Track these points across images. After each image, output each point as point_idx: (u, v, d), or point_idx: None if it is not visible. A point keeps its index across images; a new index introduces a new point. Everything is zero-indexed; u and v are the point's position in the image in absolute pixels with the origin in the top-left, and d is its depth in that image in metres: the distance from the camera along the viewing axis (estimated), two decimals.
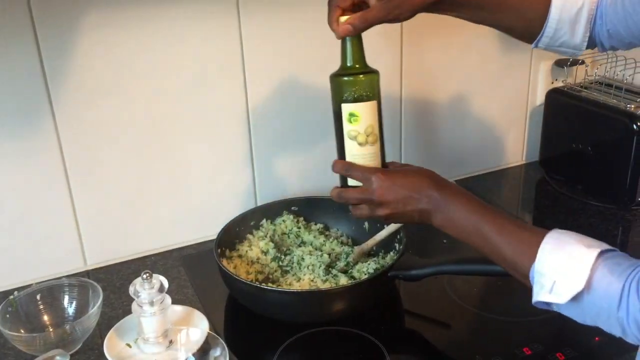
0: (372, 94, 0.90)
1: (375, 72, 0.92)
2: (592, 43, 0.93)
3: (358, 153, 0.90)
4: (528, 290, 0.73)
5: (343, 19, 0.87)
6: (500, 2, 0.91)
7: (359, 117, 0.89)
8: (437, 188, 0.82)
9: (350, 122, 0.89)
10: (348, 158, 0.91)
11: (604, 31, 0.90)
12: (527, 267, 0.72)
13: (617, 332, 0.67)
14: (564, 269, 0.68)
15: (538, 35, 0.92)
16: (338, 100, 0.90)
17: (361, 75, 0.90)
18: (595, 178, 1.39)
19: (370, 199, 0.86)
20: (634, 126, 1.27)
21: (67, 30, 1.06)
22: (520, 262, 0.73)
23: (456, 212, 0.80)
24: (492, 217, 0.78)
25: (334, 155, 1.35)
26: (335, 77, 0.91)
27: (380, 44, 1.31)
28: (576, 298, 0.68)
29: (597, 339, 0.97)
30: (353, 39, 0.89)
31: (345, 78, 0.90)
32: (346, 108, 0.89)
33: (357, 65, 0.90)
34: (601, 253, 0.67)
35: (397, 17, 0.87)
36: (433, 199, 0.82)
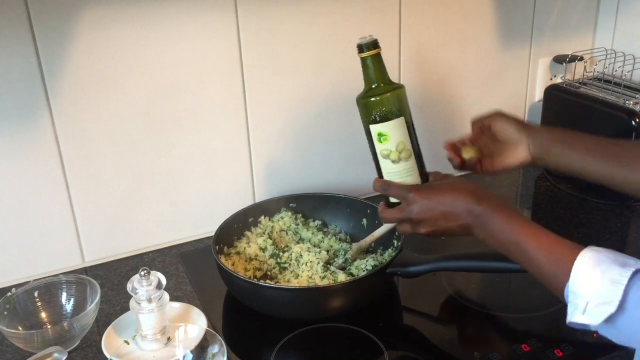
0: (399, 110, 0.91)
1: (399, 87, 0.92)
2: None
3: (393, 170, 0.92)
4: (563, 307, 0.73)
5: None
6: (616, 154, 0.92)
7: (388, 135, 0.90)
8: (477, 202, 0.82)
9: (381, 141, 0.91)
10: (385, 176, 0.93)
11: None
12: (563, 286, 0.71)
13: None
14: (596, 290, 0.67)
15: None
16: (366, 121, 0.92)
17: (387, 94, 0.91)
18: None
19: (409, 218, 0.88)
20: (633, 122, 1.27)
21: (65, 28, 1.05)
22: (555, 280, 0.73)
23: (495, 225, 0.81)
24: (530, 232, 0.78)
25: (332, 152, 1.36)
26: (361, 100, 0.92)
27: (378, 40, 1.31)
28: (610, 319, 0.66)
29: (595, 335, 0.96)
30: (373, 58, 0.90)
31: (372, 99, 0.91)
32: (374, 129, 0.91)
33: (381, 85, 0.91)
34: (636, 272, 0.66)
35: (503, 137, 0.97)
36: (473, 214, 0.82)
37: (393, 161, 0.91)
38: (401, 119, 0.91)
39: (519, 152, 0.98)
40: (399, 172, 0.92)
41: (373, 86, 0.92)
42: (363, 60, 0.91)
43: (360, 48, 0.91)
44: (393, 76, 1.34)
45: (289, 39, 1.23)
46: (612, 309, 0.65)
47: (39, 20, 1.03)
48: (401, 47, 1.34)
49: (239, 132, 1.26)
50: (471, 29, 1.41)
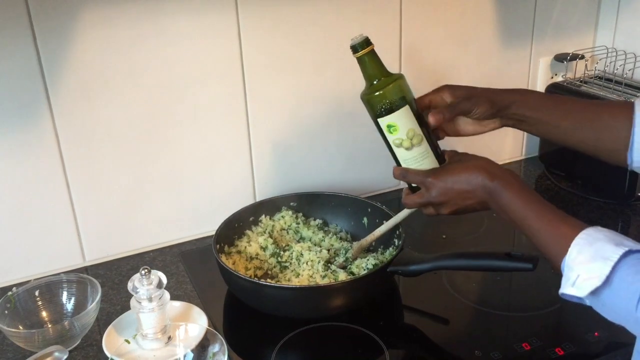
0: (402, 99, 0.93)
1: (399, 78, 0.94)
2: None
3: (409, 157, 0.94)
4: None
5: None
6: (580, 109, 0.93)
7: (397, 126, 0.92)
8: (490, 178, 0.85)
9: (391, 132, 0.93)
10: (402, 164, 0.95)
11: None
12: (560, 260, 0.75)
13: (636, 332, 0.68)
14: (588, 264, 0.70)
15: (626, 150, 0.90)
16: (374, 116, 0.94)
17: (389, 86, 0.92)
18: (595, 173, 1.39)
19: (430, 202, 0.91)
20: None
21: (65, 27, 1.05)
22: (555, 254, 0.76)
23: (505, 201, 0.84)
24: (537, 209, 0.81)
25: (333, 150, 1.36)
26: (365, 96, 0.94)
27: (379, 40, 1.30)
28: (596, 293, 0.69)
29: (596, 334, 0.97)
30: (368, 56, 0.92)
31: (375, 94, 0.93)
32: (383, 122, 0.93)
33: (381, 78, 0.93)
34: (630, 252, 0.68)
35: (473, 113, 0.94)
36: (486, 190, 0.85)
37: (407, 148, 0.93)
38: (406, 108, 0.92)
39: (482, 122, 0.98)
40: (414, 157, 0.94)
41: (374, 82, 0.93)
42: (359, 59, 0.94)
43: (354, 49, 0.93)
44: None
45: (289, 38, 1.23)
46: (598, 282, 0.68)
47: (39, 20, 1.03)
48: (402, 46, 1.34)
49: (239, 131, 1.26)
50: (472, 28, 1.41)
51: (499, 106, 0.94)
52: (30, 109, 1.08)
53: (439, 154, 0.95)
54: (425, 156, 0.94)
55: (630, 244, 0.70)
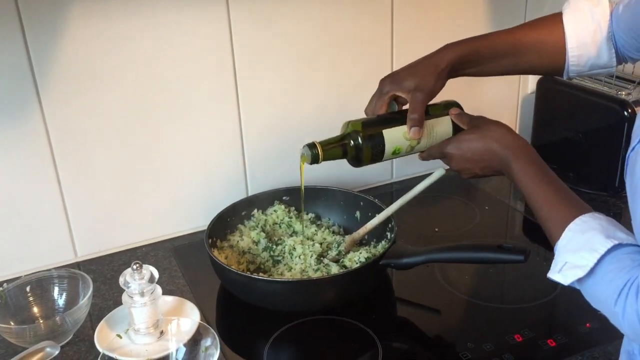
0: (378, 133, 0.92)
1: (358, 127, 0.92)
2: (621, 58, 0.93)
3: (427, 142, 0.95)
4: None
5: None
6: (518, 45, 0.95)
7: (397, 146, 0.93)
8: (503, 148, 0.87)
9: (399, 152, 0.94)
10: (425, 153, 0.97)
11: (626, 44, 0.90)
12: (555, 242, 0.76)
13: (615, 323, 0.68)
14: (576, 253, 0.71)
15: (564, 66, 0.94)
16: (379, 161, 0.95)
17: (363, 141, 0.91)
18: (587, 165, 1.39)
19: (454, 170, 0.95)
20: (625, 113, 1.27)
21: (54, 19, 1.04)
22: (551, 235, 0.77)
23: (514, 172, 0.85)
24: (542, 185, 0.82)
25: None
26: (360, 165, 0.94)
27: (371, 35, 1.31)
28: (580, 282, 0.70)
29: (587, 325, 0.97)
30: (326, 152, 0.92)
31: (364, 155, 0.92)
32: (387, 156, 0.94)
33: (349, 143, 0.92)
34: (618, 246, 0.68)
35: (432, 91, 0.93)
36: (499, 159, 0.87)
37: (419, 143, 0.94)
38: (386, 132, 0.92)
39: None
40: (430, 138, 0.95)
41: (349, 155, 0.93)
42: (325, 159, 0.93)
43: (315, 160, 0.92)
44: (385, 70, 1.35)
45: (281, 34, 1.23)
46: (582, 273, 0.69)
47: (28, 13, 1.02)
48: (393, 41, 1.33)
49: (231, 126, 1.25)
50: (463, 22, 1.40)
51: (445, 74, 0.95)
52: (20, 104, 1.07)
53: (433, 109, 0.95)
54: (434, 126, 0.94)
55: (622, 237, 0.69)
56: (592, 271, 0.69)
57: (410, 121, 0.92)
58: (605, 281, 0.67)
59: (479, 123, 0.92)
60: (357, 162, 0.94)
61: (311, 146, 0.92)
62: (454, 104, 0.99)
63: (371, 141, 0.91)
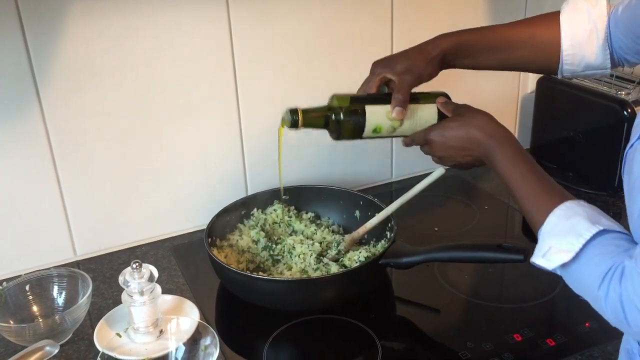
0: (362, 108, 0.92)
1: (337, 102, 0.93)
2: (615, 61, 0.93)
3: (410, 127, 0.94)
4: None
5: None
6: (512, 39, 0.95)
7: (378, 124, 0.93)
8: (486, 137, 0.87)
9: (379, 131, 0.93)
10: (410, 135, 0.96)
11: (624, 46, 0.90)
12: (538, 228, 0.76)
13: (597, 308, 0.69)
14: (561, 238, 0.71)
15: (558, 65, 0.94)
16: (358, 138, 0.94)
17: (346, 115, 0.92)
18: (587, 165, 1.39)
19: (436, 156, 0.95)
20: (625, 113, 1.27)
21: (54, 18, 1.04)
22: (534, 222, 0.77)
23: (497, 161, 0.85)
24: (525, 175, 0.82)
25: (324, 144, 1.34)
26: (338, 138, 0.94)
27: (371, 35, 1.30)
28: (565, 266, 0.71)
29: (587, 324, 0.97)
30: (306, 117, 0.92)
31: (344, 128, 0.92)
32: (367, 134, 0.93)
33: (331, 115, 0.92)
34: (603, 232, 0.69)
35: (420, 75, 0.94)
36: (482, 147, 0.87)
37: (401, 125, 0.94)
38: (369, 109, 0.92)
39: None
40: (413, 122, 0.94)
41: (330, 125, 0.93)
42: (305, 125, 0.93)
43: (294, 125, 0.92)
44: None
45: (281, 34, 1.23)
46: (567, 258, 0.70)
47: (28, 12, 1.02)
48: (393, 41, 1.33)
49: (231, 125, 1.25)
50: (463, 22, 1.40)
51: (437, 61, 0.95)
52: (20, 103, 1.07)
53: (422, 98, 0.95)
54: (418, 111, 0.94)
55: (607, 223, 0.71)
56: (577, 256, 0.69)
57: (395, 100, 0.92)
58: (590, 266, 0.68)
59: (464, 111, 0.93)
60: (336, 134, 0.93)
61: (293, 111, 0.92)
62: (443, 94, 0.99)
63: (353, 116, 0.91)
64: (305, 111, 0.92)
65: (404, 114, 0.92)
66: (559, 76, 0.96)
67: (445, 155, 0.92)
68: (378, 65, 0.97)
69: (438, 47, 0.95)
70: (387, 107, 0.92)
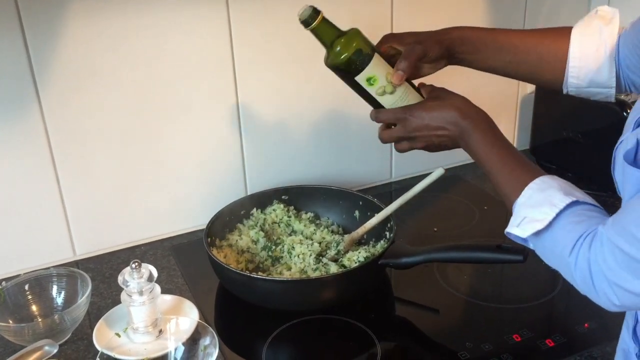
0: (371, 48, 0.92)
1: (357, 31, 0.92)
2: (621, 83, 0.92)
3: (395, 99, 0.93)
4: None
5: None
6: (521, 43, 0.95)
7: (375, 75, 0.91)
8: (463, 117, 0.87)
9: (372, 84, 0.92)
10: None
11: (631, 65, 0.89)
12: (513, 202, 0.78)
13: (568, 277, 0.70)
14: (535, 208, 0.73)
15: (563, 77, 0.93)
16: (349, 78, 0.92)
17: (354, 43, 0.90)
18: (586, 165, 1.39)
19: (405, 137, 0.93)
20: (624, 113, 1.27)
21: (53, 17, 1.04)
22: (509, 196, 0.79)
23: (473, 141, 0.86)
24: (500, 152, 0.84)
25: (324, 144, 1.36)
26: (333, 63, 0.92)
27: (371, 35, 1.30)
28: (538, 235, 0.73)
29: (586, 325, 0.98)
30: (322, 24, 0.90)
31: (345, 54, 0.90)
32: (361, 78, 0.91)
33: (342, 39, 0.91)
34: (577, 202, 0.72)
35: (428, 50, 0.94)
36: (458, 128, 0.88)
37: (391, 92, 0.93)
38: (376, 56, 0.92)
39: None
40: (400, 97, 0.93)
41: (337, 46, 0.91)
42: (314, 31, 0.91)
43: (306, 23, 0.90)
44: None
45: (280, 32, 1.22)
46: (540, 226, 0.71)
47: (27, 12, 1.02)
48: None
49: (230, 125, 1.25)
50: (463, 22, 1.40)
51: (445, 45, 0.96)
52: (19, 103, 1.07)
53: (417, 90, 0.95)
54: (408, 92, 0.94)
55: (580, 195, 0.73)
56: (550, 225, 0.71)
57: (399, 64, 0.92)
58: (563, 233, 0.70)
59: (441, 93, 0.93)
60: (333, 58, 0.91)
61: (315, 10, 0.90)
62: None
63: (360, 54, 0.90)
64: (325, 19, 0.90)
65: (402, 80, 0.91)
66: (564, 91, 0.95)
67: (420, 135, 0.92)
68: (389, 37, 0.98)
69: (448, 34, 0.96)
70: (390, 68, 0.92)
